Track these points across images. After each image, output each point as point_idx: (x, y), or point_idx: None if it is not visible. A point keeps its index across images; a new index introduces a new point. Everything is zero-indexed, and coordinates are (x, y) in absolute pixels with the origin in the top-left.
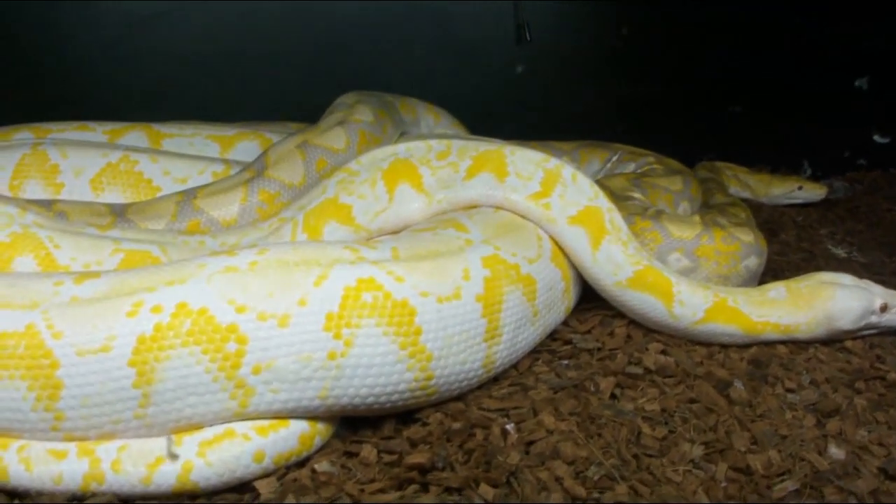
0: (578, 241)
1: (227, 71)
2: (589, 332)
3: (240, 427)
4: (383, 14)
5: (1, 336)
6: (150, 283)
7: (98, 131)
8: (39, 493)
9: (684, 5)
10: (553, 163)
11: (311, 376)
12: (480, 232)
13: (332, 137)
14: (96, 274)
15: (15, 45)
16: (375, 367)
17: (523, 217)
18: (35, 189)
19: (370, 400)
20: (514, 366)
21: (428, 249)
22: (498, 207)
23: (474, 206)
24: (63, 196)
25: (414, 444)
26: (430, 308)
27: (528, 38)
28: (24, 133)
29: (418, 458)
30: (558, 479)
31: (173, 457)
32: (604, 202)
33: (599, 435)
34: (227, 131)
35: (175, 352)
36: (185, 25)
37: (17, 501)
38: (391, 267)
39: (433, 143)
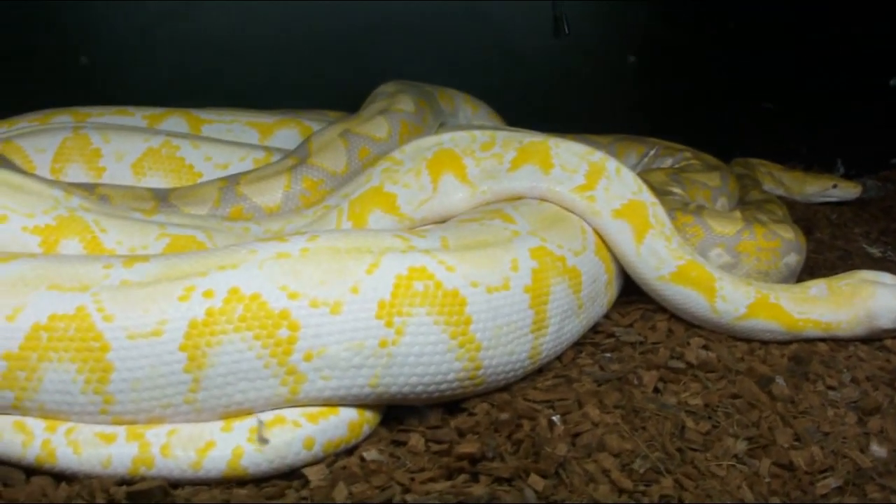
0: (622, 235)
1: (263, 60)
2: (631, 325)
3: (290, 413)
4: (420, 5)
5: (50, 318)
6: (201, 267)
7: (137, 116)
8: (87, 476)
9: (718, 2)
10: (598, 156)
11: (362, 364)
12: (527, 223)
13: (374, 126)
14: (145, 258)
15: (52, 30)
16: (426, 356)
17: (568, 209)
18: (77, 173)
19: (419, 389)
20: (558, 358)
21: (476, 239)
22: (542, 199)
23: (518, 198)
24: (104, 180)
25: (462, 434)
26: (480, 298)
27: (567, 32)
28: (63, 117)
29: (468, 447)
30: (605, 472)
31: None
32: (647, 196)
33: (644, 428)
34: (267, 118)
35: (227, 337)
36: (222, 15)
37: (63, 484)
38: (442, 256)
39: (477, 133)
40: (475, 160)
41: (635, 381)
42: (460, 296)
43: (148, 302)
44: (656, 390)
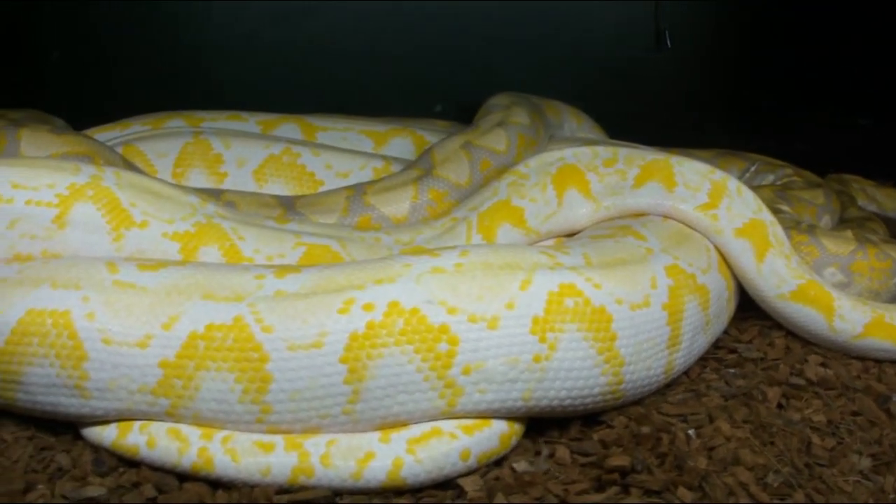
0: (744, 254)
1: (358, 67)
2: (750, 341)
3: (446, 425)
4: (519, 15)
5: (208, 327)
6: (357, 280)
7: (251, 121)
8: (246, 485)
9: (816, 14)
10: (719, 175)
11: (517, 378)
12: (658, 241)
13: (493, 139)
14: (296, 268)
15: (163, 32)
16: (575, 371)
17: (690, 227)
18: (198, 178)
19: (567, 402)
20: (686, 372)
21: (616, 257)
22: (666, 216)
23: (639, 214)
24: (226, 186)
25: (606, 446)
26: (624, 315)
27: (668, 45)
28: (176, 120)
29: (619, 460)
30: (743, 485)
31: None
32: (767, 215)
33: (772, 443)
34: (379, 127)
35: (388, 350)
36: (322, 19)
37: (220, 491)
38: (589, 273)
39: (599, 149)
40: (598, 176)
41: (759, 397)
42: (607, 312)
43: (307, 314)
44: (780, 406)
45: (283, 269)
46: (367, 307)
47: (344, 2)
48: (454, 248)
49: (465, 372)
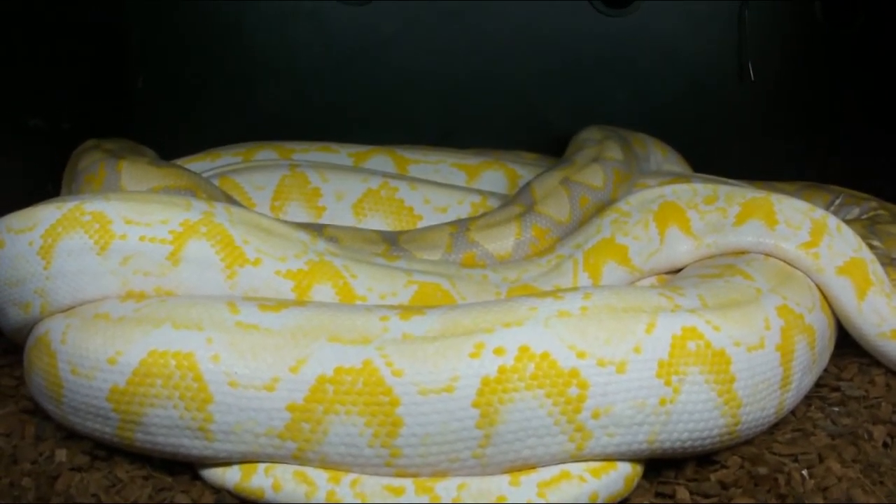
0: (845, 292)
1: (434, 98)
2: (851, 379)
3: (574, 468)
4: (598, 45)
5: (336, 371)
6: (484, 324)
7: (342, 153)
8: None
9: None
10: (819, 213)
11: (643, 421)
12: (765, 280)
13: (590, 174)
14: (419, 310)
15: (248, 61)
16: (697, 414)
17: (792, 266)
18: (297, 212)
19: (687, 444)
20: (792, 411)
21: (729, 298)
22: (767, 255)
23: (740, 252)
24: (324, 220)
25: (725, 487)
26: (742, 357)
27: (752, 78)
28: (267, 151)
29: (743, 501)
30: None
31: None
32: (867, 254)
33: (882, 482)
34: (470, 160)
35: (519, 394)
36: (407, 52)
37: None
38: (708, 316)
39: (698, 187)
40: (699, 213)
41: (865, 436)
42: (726, 355)
43: (437, 357)
44: (885, 445)
45: (407, 311)
46: (498, 351)
47: (416, 36)
48: (576, 290)
49: (595, 416)
